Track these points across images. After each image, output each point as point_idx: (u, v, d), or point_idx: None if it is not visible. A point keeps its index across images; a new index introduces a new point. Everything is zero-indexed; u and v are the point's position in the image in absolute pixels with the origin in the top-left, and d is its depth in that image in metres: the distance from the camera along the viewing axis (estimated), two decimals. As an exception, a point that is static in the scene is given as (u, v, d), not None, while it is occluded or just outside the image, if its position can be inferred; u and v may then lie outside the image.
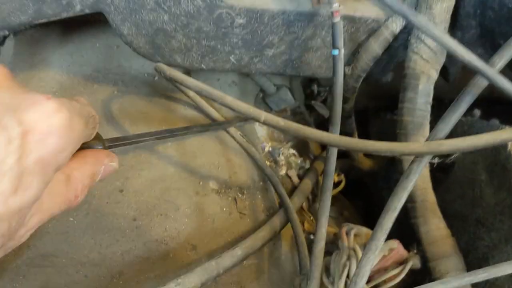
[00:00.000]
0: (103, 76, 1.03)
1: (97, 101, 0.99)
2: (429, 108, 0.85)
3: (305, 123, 1.23)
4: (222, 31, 0.85)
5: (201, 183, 0.90)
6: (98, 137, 0.57)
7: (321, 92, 1.32)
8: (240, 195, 0.92)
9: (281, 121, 0.70)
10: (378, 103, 1.43)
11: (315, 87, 1.31)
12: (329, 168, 0.80)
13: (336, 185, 1.11)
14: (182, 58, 0.89)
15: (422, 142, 0.68)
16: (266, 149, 1.06)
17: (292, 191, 1.01)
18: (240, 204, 0.91)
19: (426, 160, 0.66)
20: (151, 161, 0.90)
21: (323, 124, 1.33)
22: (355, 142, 0.68)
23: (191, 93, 0.96)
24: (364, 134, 1.20)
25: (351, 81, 0.92)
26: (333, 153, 0.79)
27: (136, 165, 0.89)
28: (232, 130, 1.01)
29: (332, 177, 0.80)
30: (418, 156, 0.66)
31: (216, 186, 0.91)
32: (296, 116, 1.23)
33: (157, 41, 0.86)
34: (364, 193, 1.30)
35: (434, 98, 0.85)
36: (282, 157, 1.04)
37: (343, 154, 1.20)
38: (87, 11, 0.82)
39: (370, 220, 1.35)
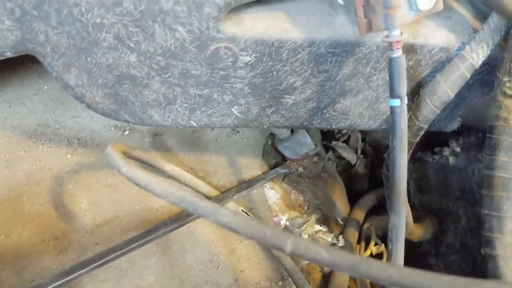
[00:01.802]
0: (52, 132, 0.75)
1: (43, 170, 0.70)
2: (531, 177, 0.57)
3: (327, 173, 0.95)
4: (220, 74, 0.56)
5: (196, 296, 0.62)
6: None
7: (343, 129, 1.04)
8: (254, 310, 0.63)
9: (322, 251, 0.40)
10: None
11: (334, 123, 1.02)
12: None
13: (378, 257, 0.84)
14: (161, 114, 0.60)
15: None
16: (282, 223, 0.77)
17: (323, 284, 0.73)
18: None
19: None
20: (118, 265, 0.61)
21: (348, 171, 1.05)
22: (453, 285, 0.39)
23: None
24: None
25: (408, 136, 0.63)
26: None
27: (96, 274, 0.60)
28: (231, 204, 0.72)
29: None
30: None
31: (219, 299, 0.62)
32: (314, 165, 0.94)
33: (121, 92, 0.57)
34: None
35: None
36: (305, 235, 0.76)
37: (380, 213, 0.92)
38: (9, 54, 0.53)
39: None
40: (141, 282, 0.61)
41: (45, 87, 0.79)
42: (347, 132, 1.04)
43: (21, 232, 0.64)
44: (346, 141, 1.04)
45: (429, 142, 1.06)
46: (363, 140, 1.07)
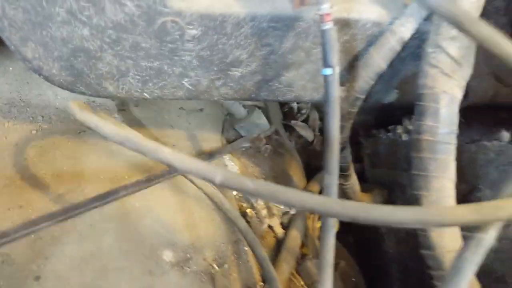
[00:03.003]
0: (18, 110, 0.78)
1: (9, 145, 0.74)
2: (454, 140, 0.63)
3: (285, 149, 1.00)
4: (169, 47, 0.61)
5: (153, 256, 0.66)
6: None
7: (302, 109, 1.09)
8: (210, 267, 0.68)
9: (248, 182, 0.45)
10: (366, 117, 1.20)
11: (294, 104, 1.07)
12: (326, 240, 0.57)
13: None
14: (115, 86, 0.64)
15: (471, 206, 0.44)
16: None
17: (276, 248, 0.78)
18: (210, 282, 0.67)
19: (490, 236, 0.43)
20: (79, 229, 0.65)
21: (307, 149, 1.10)
22: (366, 210, 0.44)
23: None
24: (355, 158, 0.98)
25: (346, 106, 0.69)
26: (330, 223, 0.56)
27: (58, 237, 0.64)
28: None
29: (333, 253, 0.57)
30: (469, 227, 0.43)
31: (174, 257, 0.67)
32: (272, 142, 1.00)
33: (76, 65, 0.61)
34: (356, 229, 1.08)
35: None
36: (260, 201, 0.81)
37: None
38: (-34, 29, 0.57)
39: (363, 259, 1.15)
40: (101, 244, 0.65)
41: (11, 68, 0.82)
42: (306, 111, 1.09)
43: (-14, 202, 0.67)
44: (305, 120, 1.09)
45: (384, 121, 1.12)
46: (321, 119, 1.12)
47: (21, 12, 0.56)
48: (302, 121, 1.09)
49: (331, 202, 0.41)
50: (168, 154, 0.47)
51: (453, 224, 0.48)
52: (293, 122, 1.07)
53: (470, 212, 0.40)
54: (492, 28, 0.47)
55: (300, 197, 0.43)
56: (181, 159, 0.46)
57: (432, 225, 0.43)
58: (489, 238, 0.44)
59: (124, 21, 0.57)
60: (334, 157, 0.60)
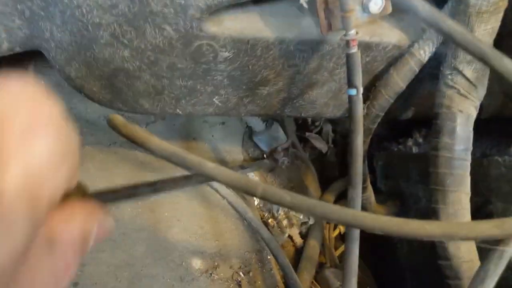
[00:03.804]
0: (50, 122, 0.81)
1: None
2: (469, 156, 0.67)
3: (301, 161, 1.04)
4: (203, 67, 0.65)
5: (183, 263, 0.70)
6: (81, 186, 0.36)
7: (316, 121, 1.13)
8: (236, 275, 0.71)
9: (286, 196, 0.49)
10: (378, 130, 1.24)
11: (308, 116, 1.11)
12: (350, 257, 0.60)
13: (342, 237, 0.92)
14: (151, 103, 0.68)
15: (493, 221, 0.48)
16: (257, 202, 0.86)
17: (296, 257, 0.81)
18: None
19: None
20: (113, 238, 0.69)
21: (320, 160, 1.14)
22: (397, 224, 0.48)
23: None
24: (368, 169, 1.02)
25: (366, 122, 0.73)
26: (355, 235, 0.60)
27: (94, 244, 0.68)
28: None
29: (357, 263, 0.61)
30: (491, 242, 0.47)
31: (203, 265, 0.71)
32: (289, 154, 1.03)
33: (116, 83, 0.65)
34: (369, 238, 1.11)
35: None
36: (281, 211, 0.84)
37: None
38: (18, 49, 0.61)
39: (377, 268, 1.18)
40: (134, 252, 0.69)
41: (42, 82, 0.86)
42: (320, 124, 1.13)
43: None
44: (319, 132, 1.13)
45: (395, 133, 1.16)
46: (335, 131, 1.16)
47: (68, 35, 0.60)
48: (316, 133, 1.12)
49: (365, 217, 0.45)
50: (211, 168, 0.50)
51: (477, 238, 0.51)
52: (307, 134, 1.11)
53: (493, 227, 0.44)
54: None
55: (335, 211, 0.46)
56: (225, 173, 0.50)
57: (460, 238, 0.47)
58: (510, 251, 0.48)
59: (162, 44, 0.61)
60: (358, 172, 0.63)
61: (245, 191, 0.48)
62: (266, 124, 0.97)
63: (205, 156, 0.87)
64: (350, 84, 0.62)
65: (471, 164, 0.68)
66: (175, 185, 0.58)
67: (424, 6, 0.44)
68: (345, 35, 0.60)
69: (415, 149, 1.08)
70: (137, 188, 0.49)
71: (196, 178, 0.58)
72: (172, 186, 0.57)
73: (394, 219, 0.45)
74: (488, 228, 0.44)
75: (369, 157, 1.15)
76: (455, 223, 0.61)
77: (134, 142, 0.56)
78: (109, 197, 0.44)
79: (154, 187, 0.54)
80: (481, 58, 0.45)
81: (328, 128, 1.15)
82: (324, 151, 1.10)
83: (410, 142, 1.11)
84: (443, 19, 0.44)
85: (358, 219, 0.46)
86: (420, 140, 1.09)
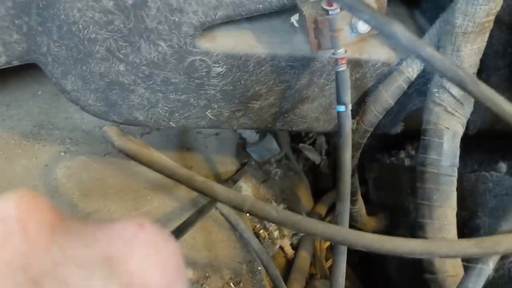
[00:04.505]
0: (46, 132, 0.83)
1: (38, 166, 0.79)
2: (455, 172, 0.69)
3: (294, 172, 1.05)
4: (196, 82, 0.66)
5: (174, 273, 0.71)
6: None
7: (310, 133, 1.15)
8: (226, 286, 0.72)
9: (272, 211, 0.50)
10: (369, 142, 1.26)
11: (302, 128, 1.13)
12: (337, 269, 0.62)
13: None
14: (145, 115, 0.69)
15: (473, 240, 0.50)
16: (252, 213, 0.87)
17: (287, 268, 0.83)
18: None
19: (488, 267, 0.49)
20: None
21: (314, 171, 1.16)
22: (379, 241, 0.50)
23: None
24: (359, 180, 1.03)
25: (356, 137, 0.75)
26: (342, 249, 0.61)
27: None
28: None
29: (344, 276, 0.62)
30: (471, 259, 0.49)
31: (194, 275, 0.72)
32: (282, 165, 1.05)
33: (111, 96, 0.67)
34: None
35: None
36: (272, 224, 0.86)
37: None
38: (15, 63, 0.63)
39: (367, 279, 1.19)
40: (126, 261, 0.70)
41: (40, 92, 0.88)
42: (313, 135, 1.14)
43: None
44: (313, 144, 1.15)
45: (388, 145, 1.18)
46: (328, 143, 1.18)
47: (64, 50, 0.61)
48: (310, 144, 1.14)
49: (349, 234, 0.46)
50: (200, 183, 0.52)
51: (457, 256, 0.53)
52: (301, 145, 1.12)
53: (472, 246, 0.45)
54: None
55: (319, 227, 0.48)
56: (213, 187, 0.51)
57: (439, 256, 0.48)
58: (488, 269, 0.49)
59: (157, 59, 0.63)
60: (346, 186, 0.65)
61: (232, 206, 0.50)
62: (259, 136, 0.98)
63: (198, 166, 0.89)
64: (339, 100, 0.64)
65: (458, 179, 0.70)
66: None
67: (405, 33, 0.46)
68: (334, 53, 0.62)
69: (407, 161, 1.10)
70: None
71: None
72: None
73: (376, 237, 0.47)
74: (468, 246, 0.46)
75: (361, 169, 1.17)
76: (436, 241, 0.63)
77: (125, 154, 0.58)
78: None
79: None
80: (459, 84, 0.47)
81: (322, 139, 1.16)
82: (317, 162, 1.12)
83: (402, 154, 1.12)
84: (423, 46, 0.46)
85: (342, 236, 0.48)
86: (413, 152, 1.11)
